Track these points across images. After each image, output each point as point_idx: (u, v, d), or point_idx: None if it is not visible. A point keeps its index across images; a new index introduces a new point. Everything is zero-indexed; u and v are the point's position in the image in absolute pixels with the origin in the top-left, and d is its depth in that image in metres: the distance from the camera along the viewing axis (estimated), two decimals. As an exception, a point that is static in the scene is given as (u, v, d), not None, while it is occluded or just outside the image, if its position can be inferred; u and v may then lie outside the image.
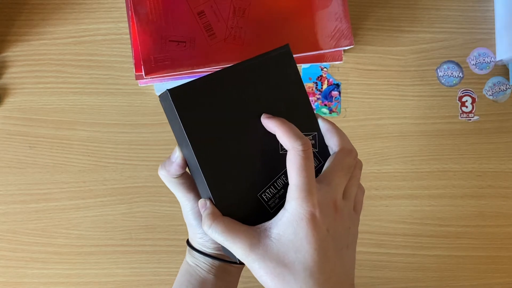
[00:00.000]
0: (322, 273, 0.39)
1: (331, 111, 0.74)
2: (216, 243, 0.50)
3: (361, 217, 0.76)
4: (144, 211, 0.73)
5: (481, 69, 0.74)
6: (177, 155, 0.45)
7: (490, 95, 0.74)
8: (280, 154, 0.44)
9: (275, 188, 0.44)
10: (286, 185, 0.43)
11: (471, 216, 0.75)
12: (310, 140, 0.46)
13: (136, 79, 0.70)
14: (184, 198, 0.48)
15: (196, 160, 0.41)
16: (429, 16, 0.74)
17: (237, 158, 0.42)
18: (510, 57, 0.71)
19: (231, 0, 0.68)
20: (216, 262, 0.51)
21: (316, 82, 0.74)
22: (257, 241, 0.40)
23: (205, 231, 0.41)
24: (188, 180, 0.49)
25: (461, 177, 0.74)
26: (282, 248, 0.39)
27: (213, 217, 0.41)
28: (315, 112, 0.45)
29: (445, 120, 0.74)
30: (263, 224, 0.41)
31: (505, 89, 0.73)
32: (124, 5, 0.73)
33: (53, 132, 0.73)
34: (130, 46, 0.72)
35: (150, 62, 0.67)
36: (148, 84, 0.72)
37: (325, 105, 0.74)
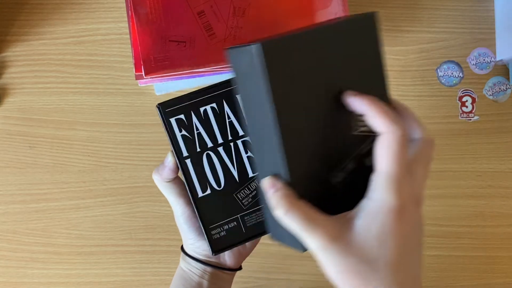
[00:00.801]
0: (401, 270, 0.35)
1: (331, 111, 0.74)
2: (207, 249, 0.50)
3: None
4: (144, 211, 0.73)
5: (481, 69, 0.74)
6: (169, 160, 0.48)
7: (490, 95, 0.74)
8: (352, 136, 0.39)
9: (346, 172, 0.39)
10: (358, 170, 0.39)
11: (471, 216, 0.75)
12: None
13: (136, 79, 0.70)
14: (175, 203, 0.50)
15: (274, 127, 0.36)
16: (429, 16, 0.74)
17: (313, 133, 0.37)
18: (510, 57, 0.71)
19: (231, 0, 0.68)
20: (209, 268, 0.51)
21: (316, 82, 0.74)
22: (338, 233, 0.35)
23: (277, 216, 0.36)
24: (180, 185, 0.50)
25: (460, 177, 0.74)
26: (367, 243, 0.34)
27: (290, 201, 0.36)
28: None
29: (445, 120, 0.74)
30: (343, 214, 0.36)
31: (505, 89, 0.73)
32: (124, 5, 0.72)
33: (53, 132, 0.73)
34: (130, 46, 0.72)
35: (150, 62, 0.67)
36: (148, 84, 0.72)
37: (325, 105, 0.74)
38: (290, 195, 0.36)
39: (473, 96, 0.74)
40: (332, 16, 0.69)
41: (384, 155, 0.35)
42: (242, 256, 0.54)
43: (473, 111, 0.74)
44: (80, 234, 0.73)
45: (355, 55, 0.39)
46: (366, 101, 0.36)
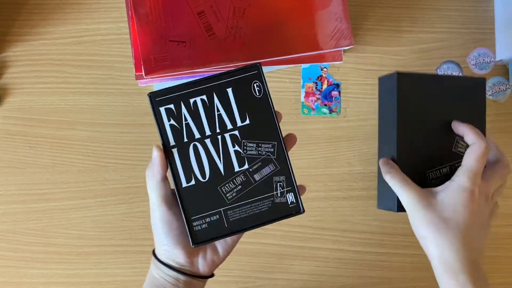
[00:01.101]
0: (467, 235, 0.51)
1: (331, 111, 0.74)
2: (182, 256, 0.50)
3: (360, 217, 0.76)
4: (144, 211, 0.73)
5: (481, 69, 0.74)
6: (155, 155, 0.48)
7: (490, 95, 0.74)
8: (451, 151, 0.57)
9: (440, 173, 0.56)
10: (449, 173, 0.56)
11: (471, 216, 0.75)
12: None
13: (136, 79, 0.70)
14: (157, 205, 0.49)
15: (395, 128, 0.56)
16: (429, 16, 0.74)
17: (422, 140, 0.57)
18: (510, 57, 0.71)
19: (231, 0, 0.68)
20: (182, 277, 0.51)
21: (316, 82, 0.74)
22: (425, 195, 0.52)
23: (386, 178, 0.54)
24: (167, 189, 0.50)
25: (461, 177, 0.74)
26: (445, 207, 0.51)
27: (396, 170, 0.54)
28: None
29: (445, 120, 0.74)
30: (431, 188, 0.53)
31: (505, 89, 0.73)
32: (124, 5, 0.73)
33: (53, 132, 0.73)
34: (130, 46, 0.72)
35: (150, 62, 0.67)
36: (148, 84, 0.72)
37: (325, 105, 0.74)
38: (396, 167, 0.54)
39: (473, 96, 0.74)
40: (332, 16, 0.69)
41: (470, 156, 0.52)
42: (214, 264, 0.53)
43: (473, 111, 0.74)
44: (80, 234, 0.73)
45: (464, 101, 0.58)
46: (467, 126, 0.55)
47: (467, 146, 0.54)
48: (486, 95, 0.74)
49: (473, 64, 0.74)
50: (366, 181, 0.74)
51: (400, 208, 0.55)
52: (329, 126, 0.74)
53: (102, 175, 0.73)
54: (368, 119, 0.74)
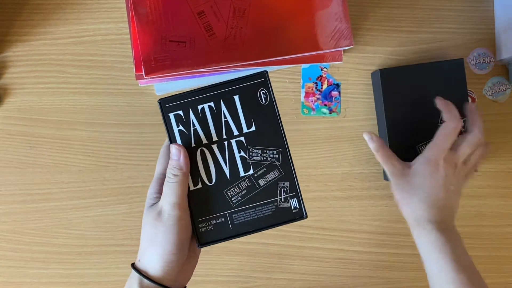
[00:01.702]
0: (433, 196, 0.60)
1: (331, 111, 0.74)
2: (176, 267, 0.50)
3: (360, 217, 0.76)
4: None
5: (481, 69, 0.74)
6: (174, 151, 0.50)
7: (490, 95, 0.74)
8: (437, 126, 0.64)
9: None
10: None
11: (471, 216, 0.75)
12: None
13: (136, 79, 0.70)
14: (177, 206, 0.50)
15: (385, 112, 0.69)
16: (429, 16, 0.74)
17: (410, 119, 0.68)
18: (510, 57, 0.71)
19: (231, 0, 0.68)
20: None
21: (316, 82, 0.74)
22: (402, 167, 0.63)
23: (375, 154, 0.64)
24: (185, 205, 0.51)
25: (461, 177, 0.74)
26: (415, 175, 0.62)
27: (382, 146, 0.64)
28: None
29: (445, 120, 0.74)
30: (409, 162, 0.64)
31: (505, 89, 0.73)
32: (124, 5, 0.73)
33: (53, 132, 0.73)
34: (130, 46, 0.72)
35: (150, 62, 0.67)
36: (148, 84, 0.72)
37: (325, 105, 0.74)
38: (383, 145, 0.64)
39: (473, 96, 0.74)
40: (332, 16, 0.69)
41: (440, 133, 0.62)
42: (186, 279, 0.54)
43: (473, 111, 0.74)
44: (80, 234, 0.74)
45: (446, 81, 0.69)
46: (444, 105, 0.64)
47: None
48: (486, 95, 0.74)
49: (473, 64, 0.74)
50: (366, 181, 0.74)
51: (386, 177, 0.69)
52: (329, 126, 0.74)
53: (102, 175, 0.73)
54: (368, 119, 0.74)
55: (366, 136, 0.65)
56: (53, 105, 0.73)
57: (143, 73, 0.67)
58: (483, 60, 0.73)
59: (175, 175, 0.50)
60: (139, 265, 0.52)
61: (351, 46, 0.69)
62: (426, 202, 0.60)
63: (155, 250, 0.50)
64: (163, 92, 0.73)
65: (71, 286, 0.74)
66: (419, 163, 0.62)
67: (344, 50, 0.72)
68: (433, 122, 0.68)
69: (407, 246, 0.75)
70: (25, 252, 0.73)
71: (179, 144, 0.50)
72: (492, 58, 0.73)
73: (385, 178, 0.73)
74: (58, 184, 0.73)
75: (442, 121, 0.64)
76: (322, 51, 0.70)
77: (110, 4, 0.73)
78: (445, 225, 0.59)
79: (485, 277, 0.75)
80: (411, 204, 0.61)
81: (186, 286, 0.54)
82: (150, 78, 0.68)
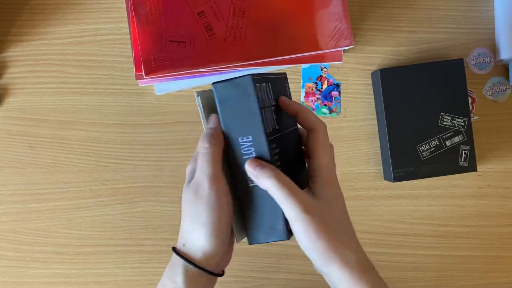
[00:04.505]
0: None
1: (331, 111, 0.74)
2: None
3: (360, 217, 0.76)
4: (144, 211, 0.74)
5: (481, 69, 0.74)
6: (216, 119, 0.46)
7: (490, 95, 0.74)
8: (438, 126, 0.69)
9: (430, 145, 0.70)
10: (438, 145, 0.70)
11: (471, 216, 0.75)
12: None
13: (136, 79, 0.70)
14: (221, 179, 0.46)
15: (384, 113, 0.70)
16: (429, 16, 0.74)
17: (409, 120, 0.70)
18: (510, 57, 0.71)
19: (231, 0, 0.68)
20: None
21: (316, 82, 0.74)
22: (308, 202, 0.47)
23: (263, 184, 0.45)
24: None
25: (461, 177, 0.74)
26: (325, 204, 0.49)
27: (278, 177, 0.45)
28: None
29: (445, 120, 0.74)
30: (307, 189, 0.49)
31: (505, 89, 0.73)
32: (124, 5, 0.73)
33: (53, 132, 0.73)
34: (130, 46, 0.72)
35: (150, 62, 0.67)
36: (148, 84, 0.72)
37: (325, 105, 0.74)
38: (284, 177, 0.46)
39: (473, 96, 0.74)
40: (332, 16, 0.69)
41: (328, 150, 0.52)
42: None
43: (472, 111, 0.74)
44: (80, 234, 0.74)
45: (446, 81, 0.70)
46: (297, 105, 0.50)
47: (452, 119, 0.69)
48: (486, 95, 0.74)
49: (473, 64, 0.74)
50: (366, 181, 0.74)
51: (386, 177, 0.72)
52: (329, 126, 0.73)
53: (102, 175, 0.73)
54: (368, 119, 0.74)
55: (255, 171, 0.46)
56: (53, 105, 0.73)
57: (143, 73, 0.67)
58: (483, 60, 0.73)
59: (210, 143, 0.45)
60: (184, 249, 0.46)
61: (351, 46, 0.69)
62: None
63: (200, 233, 0.45)
64: (163, 92, 0.73)
65: (71, 286, 0.74)
66: (321, 188, 0.51)
67: (344, 50, 0.72)
68: (433, 122, 0.69)
69: (406, 246, 0.75)
70: (25, 252, 0.73)
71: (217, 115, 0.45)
72: (492, 58, 0.73)
73: (385, 178, 0.73)
74: (58, 184, 0.73)
75: (441, 121, 0.66)
76: (322, 51, 0.70)
77: (110, 4, 0.73)
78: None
79: (485, 277, 0.75)
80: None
81: (224, 271, 0.50)
82: (150, 78, 0.68)
